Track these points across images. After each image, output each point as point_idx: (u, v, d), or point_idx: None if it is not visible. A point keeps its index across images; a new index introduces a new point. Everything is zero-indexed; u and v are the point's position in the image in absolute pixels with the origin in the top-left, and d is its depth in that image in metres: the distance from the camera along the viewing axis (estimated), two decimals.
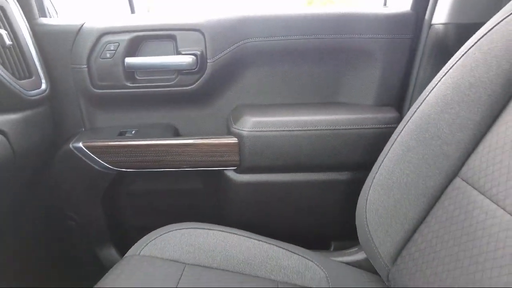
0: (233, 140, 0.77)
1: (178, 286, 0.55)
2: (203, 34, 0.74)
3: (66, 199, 0.84)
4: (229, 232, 0.68)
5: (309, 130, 0.75)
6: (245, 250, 0.65)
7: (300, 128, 0.75)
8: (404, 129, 0.58)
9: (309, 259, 0.66)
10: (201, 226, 0.68)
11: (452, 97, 0.52)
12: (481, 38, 0.52)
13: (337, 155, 0.76)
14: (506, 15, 0.49)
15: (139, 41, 0.76)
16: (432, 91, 0.55)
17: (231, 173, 0.81)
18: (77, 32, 0.75)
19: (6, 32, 0.65)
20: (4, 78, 0.62)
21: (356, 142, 0.75)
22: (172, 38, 0.75)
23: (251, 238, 0.68)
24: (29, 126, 0.70)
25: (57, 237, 0.89)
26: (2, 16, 0.66)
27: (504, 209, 0.40)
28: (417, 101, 0.58)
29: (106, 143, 0.77)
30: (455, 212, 0.49)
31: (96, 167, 0.79)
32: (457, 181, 0.51)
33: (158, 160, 0.79)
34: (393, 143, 0.59)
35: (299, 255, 0.66)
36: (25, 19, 0.72)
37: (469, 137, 0.50)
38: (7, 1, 0.68)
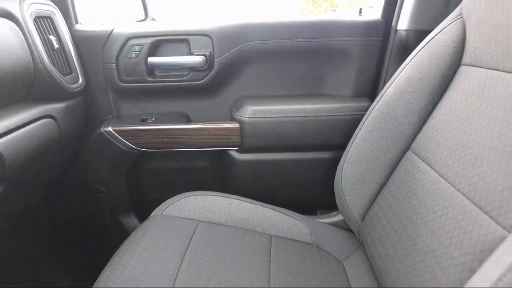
0: (236, 125, 0.94)
1: (193, 238, 0.71)
2: (211, 38, 0.91)
3: (96, 175, 1.01)
4: (233, 198, 0.85)
5: (297, 116, 0.91)
6: (245, 211, 0.82)
7: (290, 115, 0.91)
8: (370, 114, 0.74)
9: (297, 219, 0.82)
10: (210, 194, 0.85)
11: (405, 88, 0.68)
12: (427, 43, 0.68)
13: (320, 137, 0.93)
14: (444, 26, 0.66)
15: (159, 44, 0.92)
16: (392, 84, 0.72)
17: (233, 153, 0.98)
18: (108, 36, 0.92)
19: (54, 37, 0.82)
20: (55, 74, 0.79)
21: (336, 127, 0.91)
22: (186, 41, 0.92)
23: (250, 202, 0.84)
24: (70, 113, 0.87)
25: (86, 207, 1.06)
26: (51, 24, 0.83)
27: (441, 176, 0.55)
28: (381, 92, 0.74)
29: (131, 128, 0.94)
30: (407, 178, 0.65)
31: (122, 147, 0.96)
32: (409, 153, 0.67)
33: (173, 141, 0.95)
34: (362, 126, 0.76)
35: (289, 216, 0.83)
36: (66, 26, 0.88)
37: (417, 119, 0.67)
38: (53, 12, 0.84)
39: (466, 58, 0.60)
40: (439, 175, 0.56)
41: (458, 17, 0.64)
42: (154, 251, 0.65)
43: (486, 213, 0.44)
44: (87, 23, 0.99)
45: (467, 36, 0.61)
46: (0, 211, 0.71)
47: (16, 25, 0.71)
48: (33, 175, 0.79)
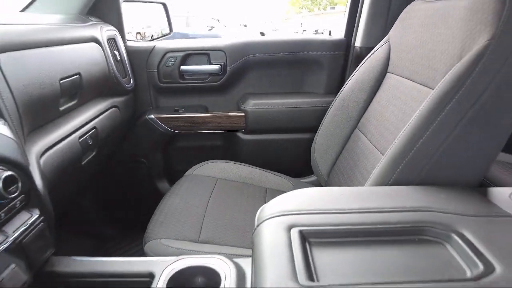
0: (241, 114, 1.32)
1: (214, 189, 1.08)
2: (224, 52, 1.29)
3: (139, 150, 1.39)
4: (241, 164, 1.22)
5: (285, 107, 1.29)
6: (249, 173, 1.19)
7: (280, 107, 1.29)
8: (333, 105, 1.12)
9: (284, 179, 1.20)
10: (224, 161, 1.22)
11: (355, 86, 1.06)
12: (369, 57, 1.05)
13: (302, 122, 1.30)
14: (379, 47, 1.03)
15: (188, 56, 1.30)
16: (346, 84, 1.09)
17: (240, 134, 1.35)
18: (151, 50, 1.30)
19: (117, 52, 1.20)
20: (119, 77, 1.16)
21: (312, 114, 1.29)
22: (207, 54, 1.30)
23: (252, 167, 1.22)
24: (126, 104, 1.25)
25: (132, 174, 1.44)
26: (115, 42, 1.21)
27: (368, 140, 0.91)
28: (340, 90, 1.12)
29: (167, 115, 1.32)
30: (353, 146, 1.02)
31: (160, 129, 1.34)
32: (356, 131, 1.05)
33: (196, 126, 1.33)
34: (327, 113, 1.13)
35: (279, 176, 1.21)
36: (123, 44, 1.26)
37: (361, 108, 1.04)
38: (116, 34, 1.22)
39: (390, 68, 0.97)
40: (368, 140, 0.93)
41: (387, 41, 1.01)
42: (188, 198, 1.02)
43: (379, 151, 0.82)
44: (135, 40, 1.37)
45: (391, 54, 0.98)
46: (87, 170, 1.08)
47: (99, 45, 1.08)
48: (108, 145, 1.17)
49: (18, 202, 0.57)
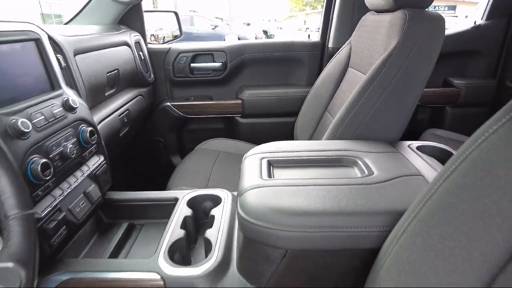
0: (239, 101, 1.65)
1: (217, 159, 1.41)
2: (225, 52, 1.62)
3: (158, 131, 1.73)
4: (239, 141, 1.55)
5: (275, 96, 1.62)
6: (244, 147, 1.51)
7: (270, 95, 1.62)
8: (309, 94, 1.44)
9: None
10: (226, 139, 1.55)
11: (325, 79, 1.38)
12: (336, 55, 1.38)
13: (288, 108, 1.63)
14: (344, 47, 1.35)
15: (196, 56, 1.64)
16: (320, 76, 1.42)
17: (238, 118, 1.68)
18: (167, 51, 1.63)
19: (142, 53, 1.53)
20: (143, 73, 1.50)
21: (296, 102, 1.62)
22: (211, 54, 1.63)
23: (249, 144, 1.54)
24: (148, 94, 1.58)
25: (151, 150, 1.77)
26: (140, 45, 1.54)
27: (332, 116, 1.26)
28: (316, 81, 1.44)
29: (180, 103, 1.66)
30: (324, 123, 1.35)
31: (174, 114, 1.67)
32: (326, 113, 1.36)
33: (203, 111, 1.67)
34: (305, 100, 1.44)
35: None
36: (145, 46, 1.60)
37: (329, 95, 1.36)
38: (140, 38, 1.56)
39: (350, 64, 1.28)
40: (332, 117, 1.25)
41: (349, 43, 1.34)
42: (198, 164, 1.35)
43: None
44: (153, 43, 1.70)
45: (351, 53, 1.31)
46: (122, 141, 1.42)
47: (129, 48, 1.42)
48: (136, 125, 1.50)
49: (94, 148, 0.90)
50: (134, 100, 1.42)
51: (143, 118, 1.61)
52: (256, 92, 1.64)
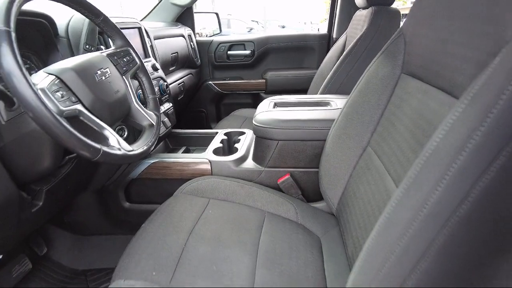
0: (263, 80, 2.15)
1: (245, 121, 1.91)
2: (253, 42, 2.13)
3: (202, 103, 2.26)
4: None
5: (292, 76, 2.10)
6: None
7: (288, 76, 2.11)
8: (316, 74, 1.91)
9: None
10: (253, 109, 2.04)
11: (327, 61, 1.85)
12: (336, 43, 1.84)
13: (301, 85, 2.10)
14: (341, 37, 1.81)
15: (232, 45, 2.16)
16: (324, 60, 1.88)
17: (262, 94, 2.18)
18: (210, 42, 2.17)
19: (192, 43, 2.08)
20: (193, 57, 2.04)
21: (307, 80, 2.08)
22: (243, 44, 2.15)
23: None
24: (196, 74, 2.12)
25: (196, 119, 2.32)
26: (190, 37, 2.08)
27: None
28: (321, 64, 1.90)
29: (219, 82, 2.19)
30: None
31: (215, 90, 2.20)
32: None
33: (235, 88, 2.18)
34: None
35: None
36: (194, 37, 2.14)
37: (329, 72, 1.83)
38: (191, 31, 2.10)
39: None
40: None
41: (345, 34, 1.79)
42: (231, 122, 1.82)
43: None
44: (200, 36, 2.25)
45: (346, 41, 1.76)
46: (179, 106, 1.95)
47: (184, 39, 1.97)
48: (187, 94, 2.05)
49: (167, 96, 1.44)
50: (187, 77, 1.96)
51: (191, 92, 2.15)
52: (276, 73, 2.13)
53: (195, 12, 2.20)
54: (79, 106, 0.67)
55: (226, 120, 1.87)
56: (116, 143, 0.71)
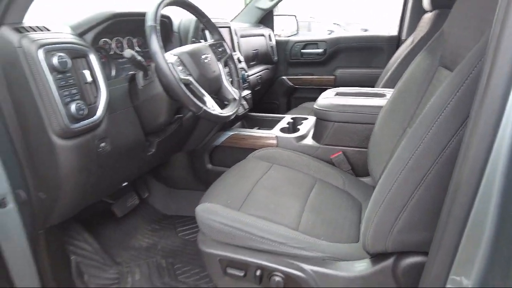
0: (332, 77, 2.35)
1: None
2: (326, 42, 2.34)
3: (275, 96, 2.54)
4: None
5: (359, 74, 2.27)
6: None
7: (355, 73, 2.28)
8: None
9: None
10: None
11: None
12: (404, 44, 1.96)
13: (368, 83, 2.25)
14: (408, 38, 1.93)
15: (306, 45, 2.40)
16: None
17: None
18: (287, 42, 2.44)
19: (270, 41, 2.36)
20: (270, 54, 2.33)
21: (374, 78, 2.22)
22: (316, 43, 2.37)
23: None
24: (272, 69, 2.39)
25: (270, 109, 2.61)
26: (270, 37, 2.37)
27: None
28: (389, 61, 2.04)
29: (292, 77, 2.45)
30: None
31: (288, 85, 2.46)
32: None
33: (306, 83, 2.41)
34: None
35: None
36: (274, 38, 2.42)
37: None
38: (270, 32, 2.39)
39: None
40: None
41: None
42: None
43: None
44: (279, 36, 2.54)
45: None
46: (254, 97, 2.26)
47: (265, 38, 2.26)
48: (263, 86, 2.34)
49: (247, 84, 1.74)
50: (264, 71, 2.26)
51: (267, 84, 2.44)
52: (345, 71, 2.31)
53: (275, 15, 2.49)
54: (190, 78, 0.99)
55: (295, 110, 2.12)
56: (212, 106, 1.01)
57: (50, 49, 0.79)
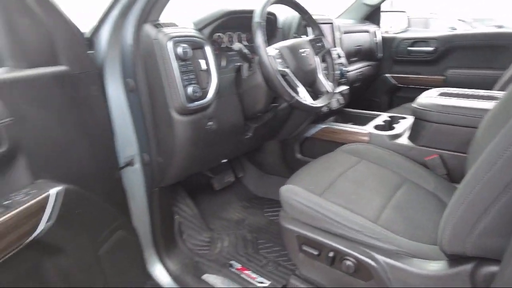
0: (441, 77, 2.17)
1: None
2: (437, 40, 2.17)
3: (376, 94, 2.48)
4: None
5: (474, 76, 2.05)
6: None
7: (469, 75, 2.07)
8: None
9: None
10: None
11: None
12: None
13: (485, 87, 2.03)
14: None
15: (414, 42, 2.27)
16: None
17: None
18: (393, 38, 2.34)
19: (375, 38, 2.31)
20: (374, 51, 2.27)
21: (492, 83, 1.99)
22: (426, 41, 2.22)
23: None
24: (374, 66, 2.34)
25: (369, 107, 2.55)
26: (375, 34, 2.31)
27: None
28: None
29: (396, 75, 2.34)
30: None
31: (390, 83, 2.37)
32: None
33: (411, 82, 2.29)
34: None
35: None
36: (380, 34, 2.36)
37: None
38: (377, 29, 2.33)
39: None
40: None
41: None
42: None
43: None
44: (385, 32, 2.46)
45: None
46: (351, 93, 2.25)
47: (369, 34, 2.22)
48: (363, 82, 2.31)
49: (345, 80, 1.76)
50: (366, 68, 2.22)
51: (368, 81, 2.39)
52: (458, 72, 2.12)
53: (382, 11, 2.41)
54: (287, 69, 1.08)
55: (395, 109, 2.04)
56: (304, 96, 1.10)
57: (177, 41, 0.97)
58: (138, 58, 1.00)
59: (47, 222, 0.70)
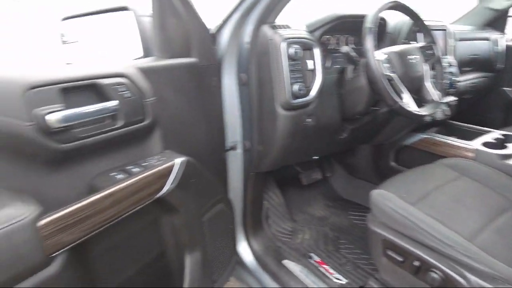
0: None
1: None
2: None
3: (493, 113, 2.24)
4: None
5: None
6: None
7: None
8: None
9: None
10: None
11: None
12: None
13: None
14: None
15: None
16: None
17: None
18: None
19: (496, 47, 2.08)
20: (493, 60, 2.06)
21: None
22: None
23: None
24: (491, 78, 2.10)
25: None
26: (498, 41, 2.09)
27: None
28: None
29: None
30: None
31: (509, 98, 2.12)
32: None
33: None
34: None
35: None
36: (504, 41, 2.12)
37: None
38: (501, 36, 2.10)
39: None
40: None
41: None
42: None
43: None
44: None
45: None
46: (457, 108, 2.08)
47: (490, 43, 2.02)
48: (478, 97, 2.12)
49: (454, 90, 1.65)
50: (480, 79, 2.02)
51: (481, 95, 2.17)
52: None
53: (510, 16, 2.16)
54: (393, 74, 1.09)
55: (511, 128, 1.83)
56: (408, 103, 1.09)
57: (290, 42, 1.06)
58: (253, 55, 1.12)
59: (171, 184, 0.86)
